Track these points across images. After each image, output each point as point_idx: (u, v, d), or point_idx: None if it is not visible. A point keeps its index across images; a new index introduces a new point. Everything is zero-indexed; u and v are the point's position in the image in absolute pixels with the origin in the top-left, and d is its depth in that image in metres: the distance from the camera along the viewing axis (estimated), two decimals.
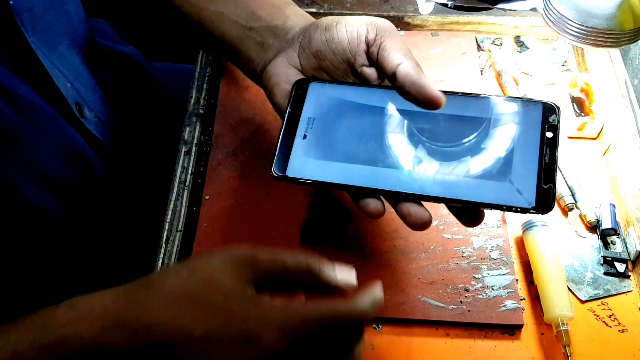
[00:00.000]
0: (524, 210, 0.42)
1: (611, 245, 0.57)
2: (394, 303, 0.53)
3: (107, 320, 0.38)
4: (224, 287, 0.38)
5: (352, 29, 0.48)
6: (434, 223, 0.58)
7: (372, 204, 0.45)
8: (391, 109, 0.48)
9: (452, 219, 0.58)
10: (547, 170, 0.43)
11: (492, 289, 0.54)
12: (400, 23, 0.74)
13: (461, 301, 0.53)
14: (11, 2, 0.50)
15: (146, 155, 0.73)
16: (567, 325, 0.50)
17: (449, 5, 0.74)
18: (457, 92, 0.48)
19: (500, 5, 0.74)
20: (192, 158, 0.63)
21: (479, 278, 0.54)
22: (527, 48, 0.72)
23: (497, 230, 0.58)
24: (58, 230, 0.60)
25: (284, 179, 0.46)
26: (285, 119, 0.49)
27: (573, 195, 0.60)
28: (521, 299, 0.54)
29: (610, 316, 0.53)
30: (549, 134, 0.44)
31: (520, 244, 0.58)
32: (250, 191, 0.60)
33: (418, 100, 0.45)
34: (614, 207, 0.58)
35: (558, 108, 0.45)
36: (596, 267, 0.56)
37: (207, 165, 0.63)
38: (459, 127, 0.46)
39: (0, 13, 0.50)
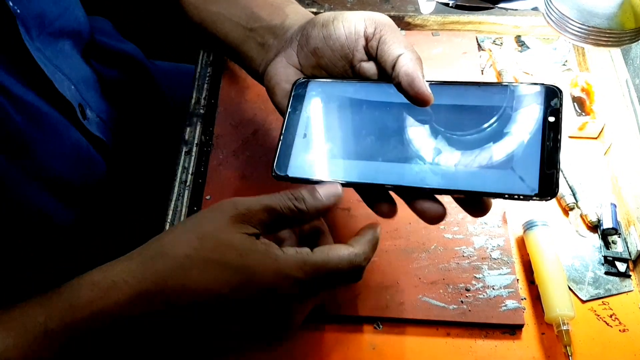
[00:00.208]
0: (526, 198, 0.40)
1: (612, 245, 0.57)
2: (394, 303, 0.53)
3: (132, 294, 0.39)
4: (234, 246, 0.40)
5: (349, 25, 0.47)
6: None
7: (385, 205, 0.45)
8: (390, 103, 0.47)
9: (452, 218, 0.58)
10: (550, 155, 0.41)
11: (493, 288, 0.54)
12: (401, 23, 0.74)
13: (462, 301, 0.53)
14: (18, 11, 0.50)
15: (147, 155, 0.73)
16: (568, 325, 0.50)
17: (450, 5, 0.74)
18: (456, 82, 0.47)
19: (501, 5, 0.74)
20: (192, 158, 0.63)
21: (479, 278, 0.54)
22: (528, 47, 0.72)
23: (498, 229, 0.58)
24: (58, 231, 0.60)
25: (285, 179, 0.46)
26: (286, 118, 0.48)
27: (574, 194, 0.60)
28: (522, 299, 0.54)
29: (611, 316, 0.53)
30: (551, 118, 0.42)
31: (521, 244, 0.58)
32: (251, 191, 0.60)
33: (408, 93, 0.44)
34: (615, 206, 0.58)
35: (560, 91, 0.43)
36: (597, 266, 0.56)
37: (208, 165, 0.63)
38: (459, 117, 0.46)
39: (2, 22, 0.50)
